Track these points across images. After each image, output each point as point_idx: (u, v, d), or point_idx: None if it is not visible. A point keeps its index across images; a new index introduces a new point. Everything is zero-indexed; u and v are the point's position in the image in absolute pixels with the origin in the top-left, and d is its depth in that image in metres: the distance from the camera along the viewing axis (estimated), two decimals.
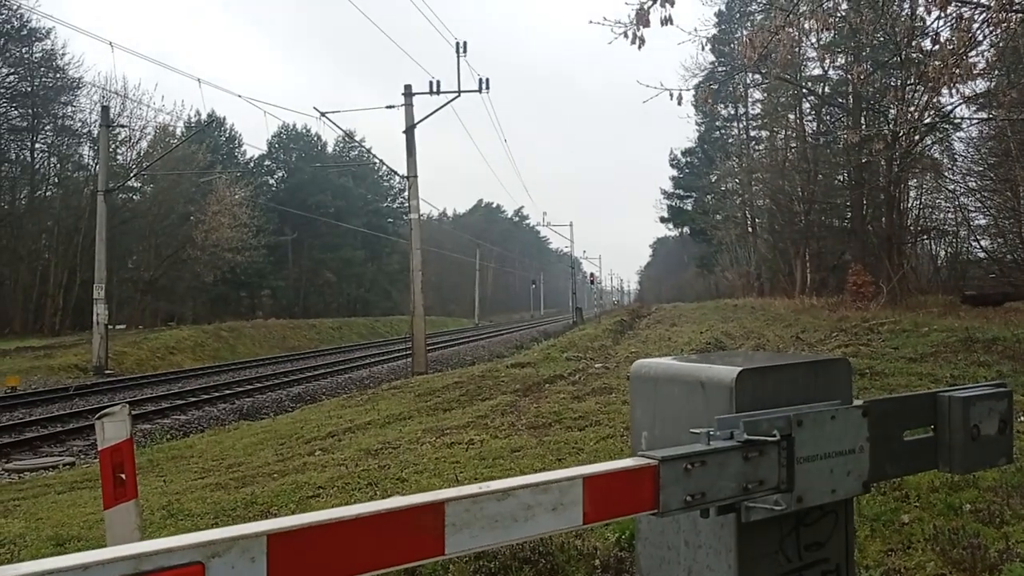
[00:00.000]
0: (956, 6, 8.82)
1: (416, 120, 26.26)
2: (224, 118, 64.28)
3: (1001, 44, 12.27)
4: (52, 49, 46.71)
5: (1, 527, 6.51)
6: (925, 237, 37.30)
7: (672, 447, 1.75)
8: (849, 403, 2.03)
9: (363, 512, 1.31)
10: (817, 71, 38.14)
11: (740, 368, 1.94)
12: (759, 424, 1.79)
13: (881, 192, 32.93)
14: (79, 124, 48.19)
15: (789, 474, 1.80)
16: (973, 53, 9.35)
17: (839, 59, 31.88)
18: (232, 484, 7.11)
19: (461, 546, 1.40)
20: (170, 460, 10.06)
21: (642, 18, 7.24)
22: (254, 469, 8.03)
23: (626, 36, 7.35)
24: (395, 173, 32.92)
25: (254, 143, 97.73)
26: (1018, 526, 4.07)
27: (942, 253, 37.90)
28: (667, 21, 7.37)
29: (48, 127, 47.86)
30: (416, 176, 26.29)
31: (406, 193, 27.57)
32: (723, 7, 49.14)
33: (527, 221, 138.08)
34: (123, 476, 3.23)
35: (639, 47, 7.33)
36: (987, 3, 8.71)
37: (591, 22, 7.56)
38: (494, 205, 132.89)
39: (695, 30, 9.43)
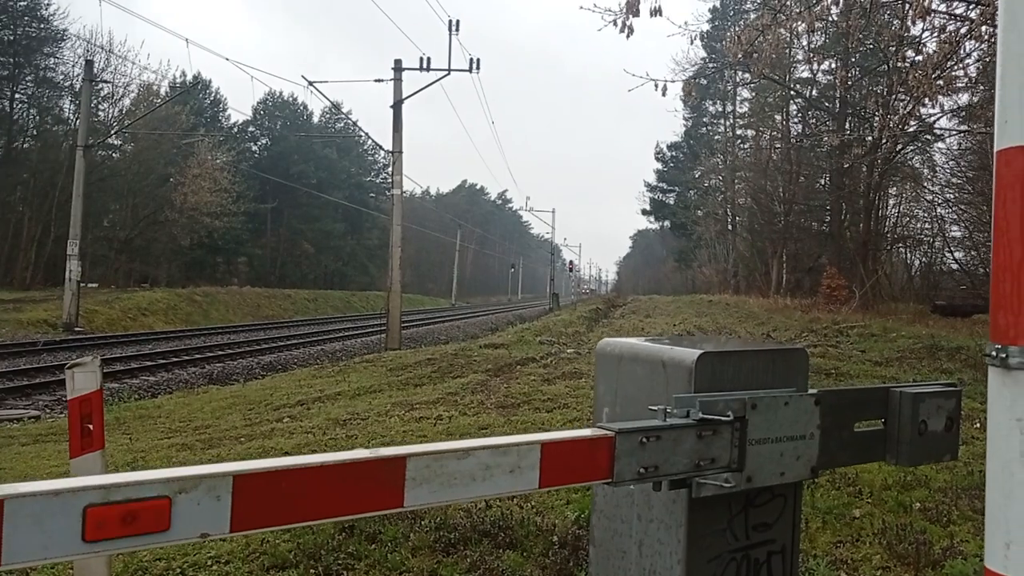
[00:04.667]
0: (942, 19, 8.95)
1: (404, 96, 26.15)
2: (210, 81, 63.63)
3: (987, 59, 12.42)
4: None
5: None
6: (901, 245, 37.74)
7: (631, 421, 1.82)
8: (805, 392, 2.11)
9: (327, 460, 1.36)
10: (806, 74, 38.40)
11: (701, 351, 2.01)
12: (715, 404, 1.86)
13: (860, 198, 33.25)
14: (61, 77, 47.48)
15: (740, 454, 1.87)
16: (958, 67, 9.48)
17: (827, 63, 32.10)
18: (198, 445, 7.13)
19: (420, 500, 1.46)
20: (137, 419, 10.04)
21: (632, 7, 7.29)
22: (221, 432, 8.05)
23: (615, 24, 7.40)
24: (380, 148, 32.81)
25: (239, 108, 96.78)
26: (964, 526, 4.19)
27: (916, 262, 38.40)
28: (656, 12, 7.42)
29: (29, 78, 47.07)
30: (401, 152, 26.19)
31: (390, 168, 27.47)
32: (718, 3, 49.27)
33: (510, 205, 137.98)
34: (91, 427, 3.25)
35: (628, 36, 7.36)
36: (971, 16, 8.83)
37: (581, 8, 7.60)
38: (478, 187, 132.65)
39: (685, 24, 9.53)
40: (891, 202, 37.04)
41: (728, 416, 1.85)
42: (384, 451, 1.44)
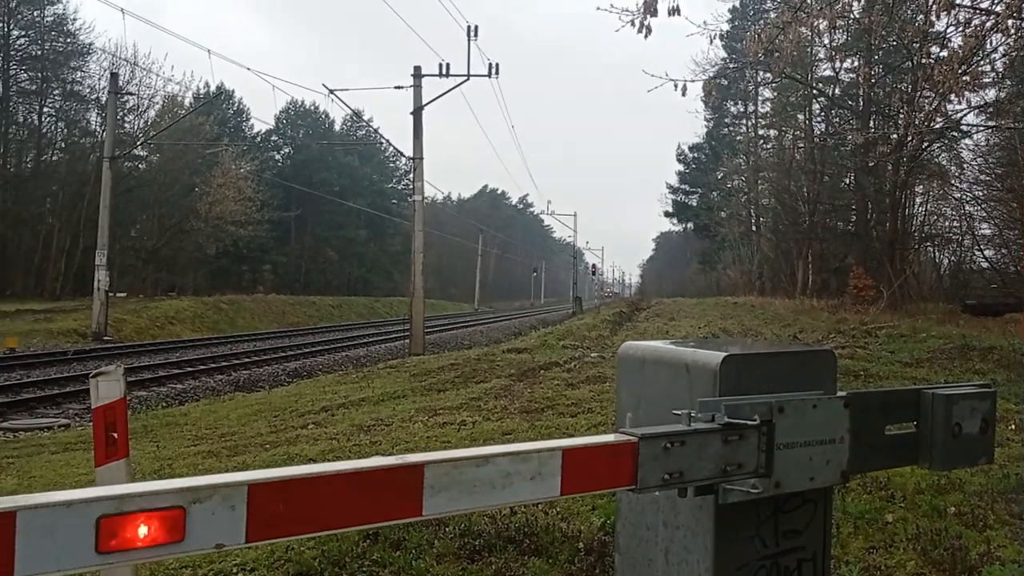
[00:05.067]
0: (966, 13, 8.81)
1: (424, 102, 26.22)
2: (233, 91, 64.31)
3: (1013, 54, 12.24)
4: (63, 13, 46.77)
5: None
6: (929, 244, 37.28)
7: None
8: (833, 394, 2.06)
9: (343, 469, 1.33)
10: (828, 72, 38.07)
11: (725, 353, 1.97)
12: (741, 408, 1.82)
13: (886, 197, 32.88)
14: (88, 90, 48.23)
15: (768, 459, 1.82)
16: (984, 62, 9.34)
17: (850, 61, 31.81)
18: (224, 452, 7.16)
19: (438, 508, 1.43)
20: (164, 427, 10.11)
21: (649, 7, 7.23)
22: (247, 439, 8.08)
23: (633, 24, 7.34)
24: (401, 154, 32.89)
25: (262, 118, 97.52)
26: (1000, 530, 4.10)
27: (945, 261, 37.93)
28: (675, 11, 7.35)
29: (57, 91, 47.84)
30: (422, 158, 26.26)
31: (411, 175, 27.55)
32: (737, 3, 49.01)
33: (531, 209, 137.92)
34: (115, 435, 3.26)
35: (645, 36, 7.31)
36: (996, 10, 8.69)
37: (598, 8, 7.55)
38: (499, 191, 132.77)
39: (704, 23, 9.43)
40: (918, 200, 36.65)
41: (755, 420, 1.81)
42: (401, 459, 1.41)
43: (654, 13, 7.31)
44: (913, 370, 10.69)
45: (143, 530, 1.14)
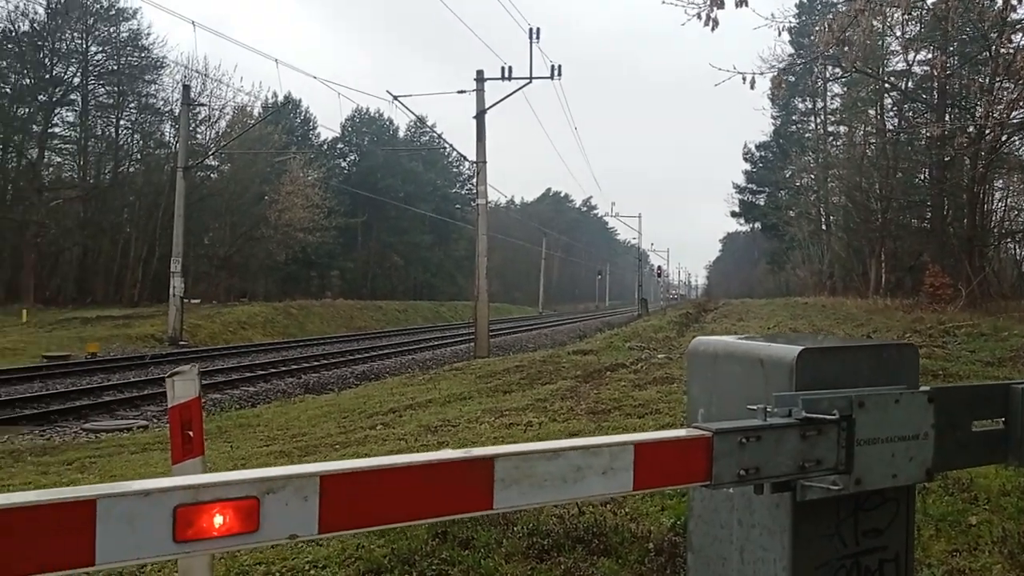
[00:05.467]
0: None
1: (487, 106, 26.32)
2: (300, 100, 65.47)
3: None
4: (138, 29, 48.30)
5: (77, 481, 6.79)
6: (1009, 240, 35.90)
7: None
8: (916, 389, 1.98)
9: (414, 461, 1.33)
10: (901, 65, 37.02)
11: (802, 347, 1.91)
12: (819, 402, 1.76)
13: (964, 192, 31.77)
14: (161, 102, 49.72)
15: (848, 455, 1.76)
16: None
17: (924, 52, 30.87)
18: (295, 452, 7.28)
19: (509, 502, 1.41)
20: (238, 428, 10.35)
21: None
22: (317, 439, 8.21)
23: (699, 18, 7.22)
24: (464, 159, 33.05)
25: (328, 125, 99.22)
26: None
27: None
28: (742, 2, 7.21)
29: (132, 105, 49.43)
30: (485, 162, 26.35)
31: (475, 179, 27.67)
32: None
33: (595, 211, 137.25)
34: (190, 433, 3.33)
35: (712, 29, 7.18)
36: None
37: (664, 2, 7.44)
38: (562, 194, 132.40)
39: (772, 16, 9.21)
40: (997, 195, 35.28)
41: (834, 415, 1.75)
42: (472, 451, 1.40)
43: (720, 5, 7.18)
44: (995, 369, 10.30)
45: (219, 519, 1.15)
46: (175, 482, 1.13)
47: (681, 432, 1.64)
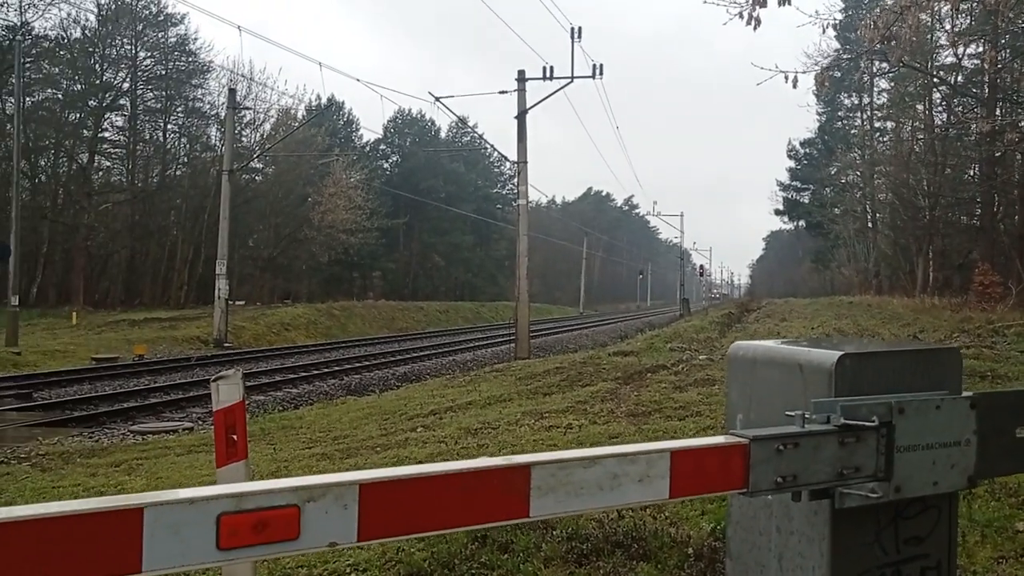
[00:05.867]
0: None
1: (528, 106, 26.31)
2: (343, 102, 66.12)
3: None
4: (185, 34, 49.21)
5: (125, 483, 6.96)
6: None
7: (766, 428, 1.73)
8: (958, 395, 1.95)
9: (451, 469, 1.35)
10: (949, 59, 36.28)
11: (841, 352, 1.90)
12: (858, 409, 1.75)
13: (1016, 188, 31.06)
14: (208, 106, 50.59)
15: (887, 462, 1.75)
16: None
17: (974, 46, 30.21)
18: (337, 455, 7.36)
19: (546, 510, 1.43)
20: (280, 430, 10.49)
21: None
22: (358, 442, 8.29)
23: (741, 17, 7.16)
24: (505, 159, 33.12)
25: (370, 127, 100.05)
26: None
27: None
28: (785, 1, 7.13)
29: (179, 109, 50.37)
30: (526, 162, 26.35)
31: (516, 179, 27.70)
32: None
33: (636, 210, 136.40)
34: (235, 437, 3.39)
35: (755, 28, 7.12)
36: None
37: (705, 2, 7.39)
38: (603, 193, 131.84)
39: (816, 12, 9.10)
40: None
41: (873, 421, 1.74)
42: (508, 459, 1.42)
43: (763, 3, 7.11)
44: None
45: (261, 528, 1.18)
46: (219, 490, 1.17)
47: (718, 439, 1.64)
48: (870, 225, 50.11)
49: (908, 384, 1.95)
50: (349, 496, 1.25)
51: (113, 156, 49.28)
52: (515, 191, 29.04)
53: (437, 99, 26.81)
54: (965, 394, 1.93)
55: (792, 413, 1.74)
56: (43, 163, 45.44)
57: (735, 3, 7.27)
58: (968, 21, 29.76)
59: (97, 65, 46.19)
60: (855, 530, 1.89)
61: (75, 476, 7.76)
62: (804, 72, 8.29)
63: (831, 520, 1.86)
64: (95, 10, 45.69)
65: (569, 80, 25.96)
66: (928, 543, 1.99)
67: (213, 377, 3.36)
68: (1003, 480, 4.43)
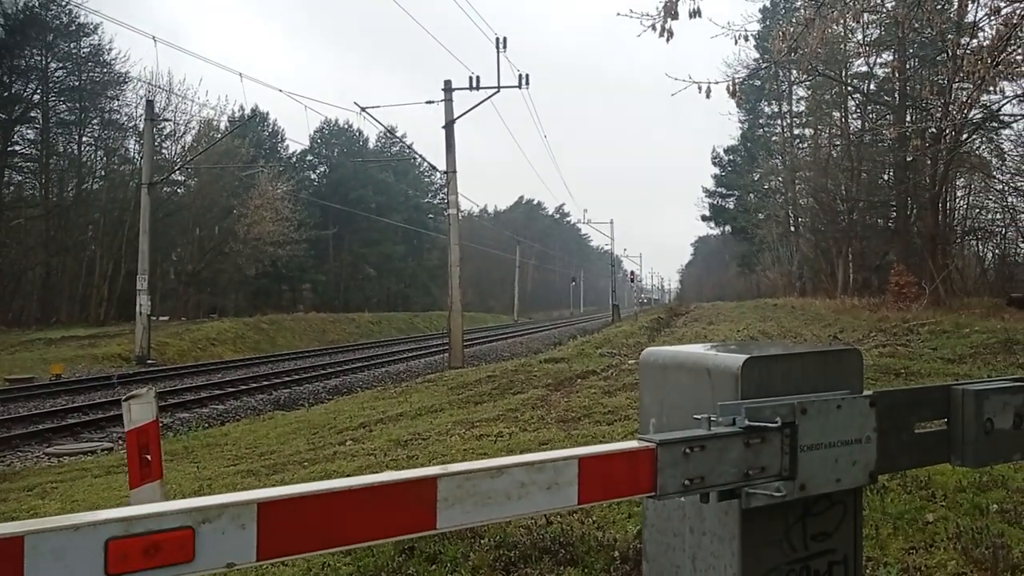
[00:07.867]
0: (997, 2, 8.63)
1: (456, 115, 26.32)
2: (267, 113, 65.10)
3: None
4: (99, 44, 47.66)
5: (38, 507, 6.70)
6: (972, 237, 36.54)
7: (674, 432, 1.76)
8: (859, 394, 2.02)
9: (354, 484, 1.33)
10: (863, 68, 37.62)
11: (747, 356, 1.94)
12: (762, 411, 1.79)
13: (926, 191, 32.32)
14: (125, 118, 49.15)
15: (791, 461, 1.79)
16: (1018, 51, 9.13)
17: (884, 55, 31.36)
18: (263, 471, 7.22)
19: (453, 521, 1.42)
20: (205, 447, 10.24)
21: (670, 10, 7.19)
22: (285, 457, 8.15)
23: (654, 29, 7.30)
24: (435, 169, 33.06)
25: (296, 138, 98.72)
26: None
27: (989, 254, 37.15)
28: (695, 13, 7.29)
29: (95, 121, 48.80)
30: (455, 172, 26.35)
31: (446, 189, 27.66)
32: (768, 2, 48.64)
33: (568, 219, 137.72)
34: (148, 457, 3.30)
35: (668, 40, 7.26)
36: None
37: (618, 14, 7.51)
38: (535, 202, 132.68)
39: (728, 24, 9.33)
40: (959, 194, 35.92)
41: (776, 422, 1.78)
42: (413, 472, 1.41)
43: (675, 16, 7.27)
44: (956, 366, 10.47)
45: (154, 551, 1.15)
46: (106, 515, 1.13)
47: (626, 444, 1.66)
48: (792, 229, 51.49)
49: (812, 385, 2.01)
50: (247, 515, 1.23)
51: (25, 170, 47.53)
52: (445, 200, 28.99)
53: (363, 109, 26.67)
54: (865, 393, 1.99)
55: (699, 416, 1.77)
56: None
57: (647, 16, 7.40)
58: (878, 32, 30.89)
59: (5, 76, 44.45)
60: (764, 528, 1.93)
61: None
62: (717, 82, 8.46)
63: (741, 519, 1.90)
64: (1, 20, 44.00)
65: (496, 90, 26.08)
66: (835, 538, 2.05)
67: (124, 397, 3.27)
68: (914, 473, 4.60)
